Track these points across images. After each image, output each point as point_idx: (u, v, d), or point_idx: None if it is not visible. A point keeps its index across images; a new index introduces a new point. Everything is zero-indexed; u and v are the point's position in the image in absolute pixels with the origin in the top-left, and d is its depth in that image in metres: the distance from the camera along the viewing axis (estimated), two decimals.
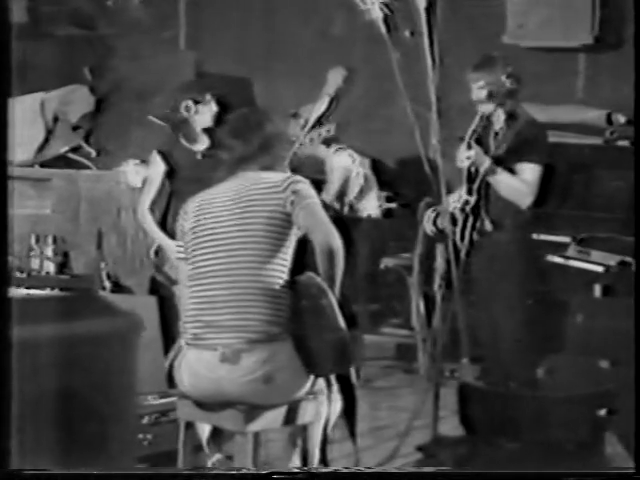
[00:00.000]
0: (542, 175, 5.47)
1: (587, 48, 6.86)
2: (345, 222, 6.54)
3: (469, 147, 5.44)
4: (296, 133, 4.60)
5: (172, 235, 5.31)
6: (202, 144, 5.74)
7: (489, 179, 5.44)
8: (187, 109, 5.69)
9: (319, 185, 6.45)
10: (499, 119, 5.54)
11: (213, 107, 5.66)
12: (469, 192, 5.46)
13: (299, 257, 4.06)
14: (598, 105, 7.03)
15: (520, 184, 5.44)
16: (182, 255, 4.20)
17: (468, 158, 5.40)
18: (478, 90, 5.50)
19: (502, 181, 5.45)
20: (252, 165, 4.17)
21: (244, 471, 4.04)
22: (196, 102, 5.68)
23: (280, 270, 3.99)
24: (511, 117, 5.52)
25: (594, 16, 6.62)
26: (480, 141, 5.52)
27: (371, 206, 6.91)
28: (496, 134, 5.54)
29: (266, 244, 3.99)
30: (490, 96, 5.46)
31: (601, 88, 7.26)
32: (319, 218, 4.03)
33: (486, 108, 5.50)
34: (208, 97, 5.65)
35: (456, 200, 5.45)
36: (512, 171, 5.46)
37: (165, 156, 5.78)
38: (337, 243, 3.98)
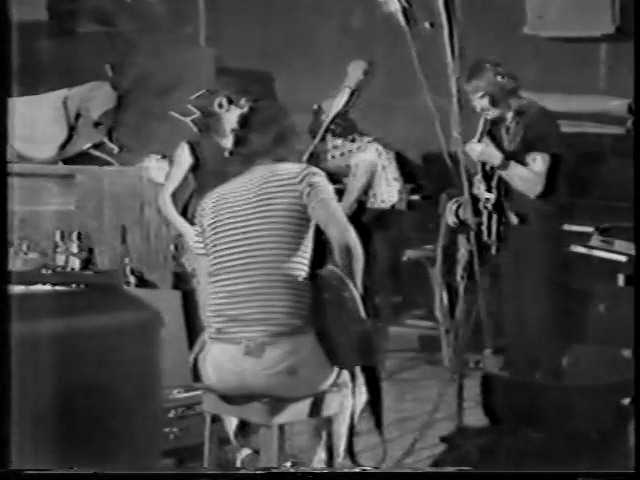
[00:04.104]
0: (551, 164, 5.48)
1: (608, 38, 6.84)
2: (362, 216, 6.56)
3: (479, 141, 5.48)
4: (321, 130, 4.61)
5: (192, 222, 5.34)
6: (229, 141, 5.75)
7: (501, 174, 5.47)
8: (220, 105, 5.69)
9: (340, 180, 6.46)
10: (508, 116, 5.57)
11: (245, 110, 5.63)
12: (488, 189, 5.49)
13: (320, 251, 4.07)
14: (619, 95, 7.02)
15: (529, 174, 5.47)
16: (202, 251, 4.21)
17: (479, 153, 5.45)
18: (479, 100, 5.54)
19: (512, 173, 5.47)
20: (267, 158, 4.19)
21: (243, 471, 4.08)
22: (230, 101, 5.68)
23: (301, 262, 4.01)
24: (519, 114, 5.55)
25: (615, 5, 6.59)
26: (493, 136, 5.55)
27: (394, 196, 6.92)
28: (507, 129, 5.57)
29: (286, 236, 4.00)
30: (493, 102, 5.50)
31: (622, 77, 7.24)
32: (334, 215, 4.03)
33: (492, 113, 5.53)
34: (243, 101, 5.64)
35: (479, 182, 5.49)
36: (523, 163, 5.48)
37: (194, 148, 5.79)
38: (353, 240, 3.98)
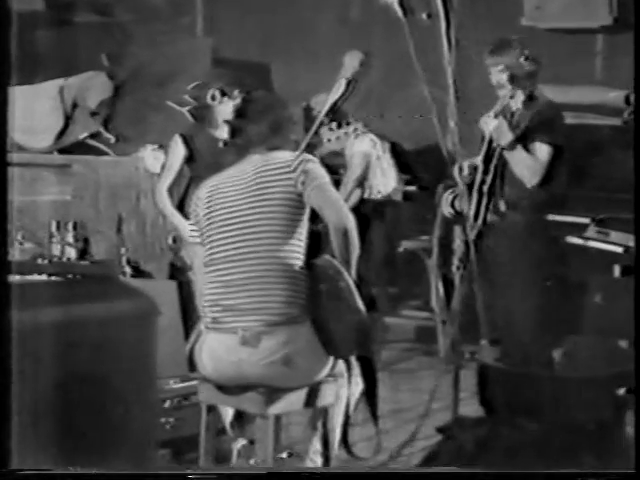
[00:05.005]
0: (552, 156, 5.48)
1: (606, 29, 6.83)
2: (361, 207, 6.57)
3: (496, 117, 5.48)
4: (317, 121, 4.61)
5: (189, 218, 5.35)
6: (222, 133, 5.75)
7: (506, 154, 5.46)
8: (213, 97, 5.70)
9: (337, 171, 6.46)
10: (517, 100, 5.55)
11: (238, 102, 5.64)
12: (485, 172, 5.48)
13: (315, 241, 4.07)
14: (617, 86, 7.01)
15: (531, 162, 5.47)
16: (197, 240, 4.22)
17: (494, 127, 5.44)
18: (498, 73, 5.51)
19: (516, 157, 5.46)
20: (262, 147, 4.19)
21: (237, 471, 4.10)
22: (223, 93, 5.69)
23: (297, 251, 4.01)
24: (530, 99, 5.53)
25: None
26: (504, 113, 5.54)
27: (389, 187, 6.92)
28: (512, 114, 5.55)
29: (281, 225, 4.00)
30: (512, 79, 5.48)
31: (620, 69, 7.23)
32: (330, 198, 4.04)
33: (507, 91, 5.51)
34: (236, 92, 5.65)
35: (469, 168, 5.47)
36: (527, 150, 5.48)
37: (187, 141, 5.80)
38: (350, 222, 3.98)
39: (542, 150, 5.47)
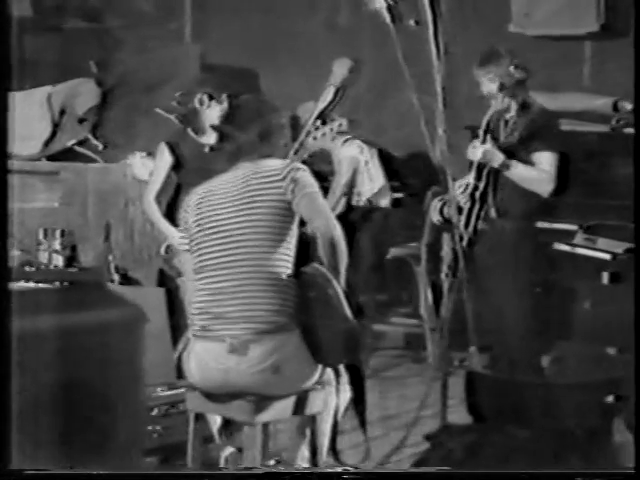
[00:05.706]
0: (559, 162, 5.46)
1: (593, 36, 6.84)
2: (350, 214, 6.57)
3: (483, 141, 5.44)
4: (306, 127, 4.61)
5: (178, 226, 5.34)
6: (209, 138, 5.74)
7: (507, 174, 5.43)
8: (201, 102, 5.70)
9: (326, 177, 6.46)
10: (510, 109, 5.54)
11: (225, 107, 5.62)
12: (478, 178, 5.46)
13: (304, 249, 4.07)
14: (605, 92, 7.03)
15: (539, 173, 5.44)
16: (186, 247, 4.21)
17: (482, 154, 5.40)
18: (489, 83, 5.49)
19: (519, 173, 5.44)
20: (252, 155, 4.18)
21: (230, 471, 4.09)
22: (211, 97, 5.69)
23: (285, 259, 4.00)
24: (524, 107, 5.52)
25: (600, 3, 6.60)
26: (490, 130, 5.51)
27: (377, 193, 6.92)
28: (506, 122, 5.54)
29: (270, 233, 4.00)
30: (502, 87, 5.45)
31: (608, 75, 7.25)
32: (319, 208, 4.04)
33: (499, 100, 5.49)
34: (224, 96, 5.65)
35: (462, 186, 5.45)
36: (528, 162, 5.45)
37: (172, 148, 5.79)
38: (337, 232, 3.99)
39: (547, 158, 5.44)
